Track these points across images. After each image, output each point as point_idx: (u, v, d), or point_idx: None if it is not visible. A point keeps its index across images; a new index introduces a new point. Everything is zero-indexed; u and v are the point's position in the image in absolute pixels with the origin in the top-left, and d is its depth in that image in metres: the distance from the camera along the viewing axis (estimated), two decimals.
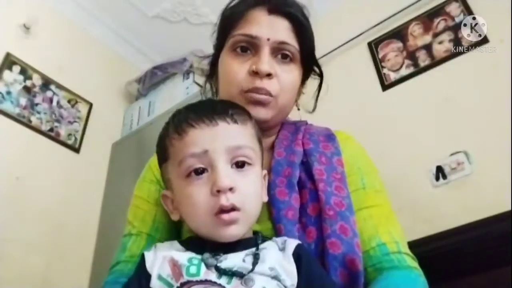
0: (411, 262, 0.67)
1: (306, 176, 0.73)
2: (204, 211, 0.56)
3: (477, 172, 1.48)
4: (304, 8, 0.82)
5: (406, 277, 0.65)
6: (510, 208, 1.32)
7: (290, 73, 0.78)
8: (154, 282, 0.54)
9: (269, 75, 0.74)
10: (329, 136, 0.81)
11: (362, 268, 0.63)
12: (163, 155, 0.64)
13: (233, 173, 0.58)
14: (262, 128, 0.74)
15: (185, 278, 0.52)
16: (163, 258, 0.56)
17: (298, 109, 0.87)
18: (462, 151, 1.52)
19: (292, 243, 0.59)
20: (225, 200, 0.55)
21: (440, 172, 1.53)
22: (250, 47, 0.77)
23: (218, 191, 0.56)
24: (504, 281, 1.25)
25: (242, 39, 0.77)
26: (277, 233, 0.66)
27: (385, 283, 0.63)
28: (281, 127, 0.84)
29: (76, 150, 2.05)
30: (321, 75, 0.88)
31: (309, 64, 0.84)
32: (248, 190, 0.58)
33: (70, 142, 2.04)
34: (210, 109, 0.62)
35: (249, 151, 0.61)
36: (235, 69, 0.76)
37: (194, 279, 0.52)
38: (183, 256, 0.55)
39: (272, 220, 0.68)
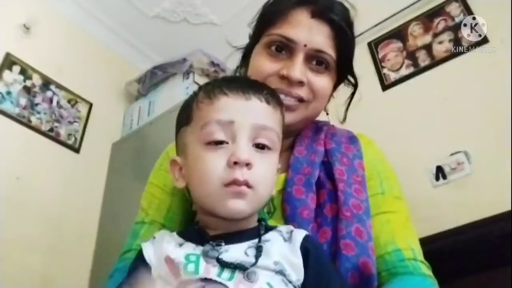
0: (426, 270, 0.66)
1: (325, 176, 0.72)
2: (215, 180, 0.54)
3: (477, 172, 1.48)
4: (349, 12, 0.79)
5: (420, 283, 0.64)
6: (510, 208, 1.32)
7: (323, 81, 0.76)
8: (157, 282, 0.53)
9: (300, 83, 0.73)
10: (352, 139, 0.80)
11: (375, 272, 0.63)
12: (185, 118, 0.62)
13: (253, 152, 0.56)
14: (283, 130, 0.74)
15: (183, 277, 0.50)
16: (159, 256, 0.54)
17: (327, 114, 0.86)
18: (462, 151, 1.52)
19: (299, 235, 0.56)
20: (240, 174, 0.54)
21: (440, 172, 1.53)
22: (285, 48, 0.75)
23: (235, 163, 0.54)
24: (504, 281, 1.25)
25: (278, 40, 0.75)
26: None
27: (399, 285, 0.62)
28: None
29: (76, 150, 2.05)
30: (355, 85, 0.87)
31: (344, 72, 0.82)
32: (264, 172, 0.57)
33: (70, 142, 2.03)
34: (246, 83, 0.62)
35: (273, 134, 0.59)
36: (265, 67, 0.75)
37: (194, 277, 0.50)
38: (180, 253, 0.53)
39: (286, 218, 0.67)
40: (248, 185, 0.54)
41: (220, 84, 0.61)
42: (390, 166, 0.80)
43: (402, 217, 0.72)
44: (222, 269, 0.51)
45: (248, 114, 0.57)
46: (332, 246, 0.64)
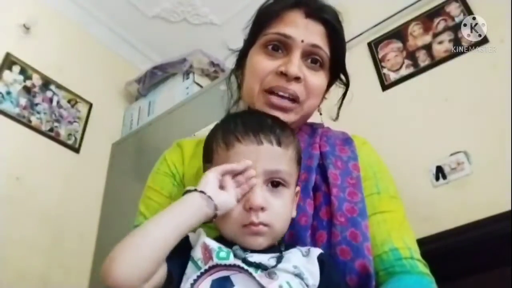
0: (423, 268, 0.67)
1: (321, 179, 0.73)
2: (234, 221, 0.60)
3: (477, 172, 1.47)
4: (339, 14, 0.82)
5: (418, 282, 0.65)
6: (510, 208, 1.32)
7: (318, 78, 0.78)
8: (188, 264, 0.57)
9: (297, 79, 0.74)
10: (346, 140, 0.82)
11: (373, 271, 0.63)
12: (208, 157, 0.67)
13: (267, 192, 0.61)
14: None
15: (215, 261, 0.54)
16: (198, 243, 0.59)
17: (320, 114, 0.87)
18: (462, 151, 1.52)
19: (316, 251, 0.61)
20: (255, 218, 0.59)
21: (440, 172, 1.53)
22: (282, 47, 0.77)
23: (251, 208, 0.59)
24: (504, 281, 1.25)
25: (275, 38, 0.77)
26: (287, 238, 0.66)
27: (397, 284, 0.63)
28: (298, 129, 0.83)
29: (76, 150, 2.05)
30: (347, 84, 0.88)
31: (337, 71, 0.85)
32: (278, 210, 0.61)
33: (70, 142, 2.04)
34: (258, 124, 0.65)
35: (286, 175, 0.63)
36: (263, 65, 0.76)
37: (223, 262, 0.54)
38: (214, 243, 0.58)
39: None
40: (264, 224, 0.59)
41: (235, 127, 0.64)
42: (385, 166, 0.81)
43: (398, 216, 0.72)
44: (247, 266, 0.54)
45: (260, 160, 0.61)
46: (327, 250, 0.65)
